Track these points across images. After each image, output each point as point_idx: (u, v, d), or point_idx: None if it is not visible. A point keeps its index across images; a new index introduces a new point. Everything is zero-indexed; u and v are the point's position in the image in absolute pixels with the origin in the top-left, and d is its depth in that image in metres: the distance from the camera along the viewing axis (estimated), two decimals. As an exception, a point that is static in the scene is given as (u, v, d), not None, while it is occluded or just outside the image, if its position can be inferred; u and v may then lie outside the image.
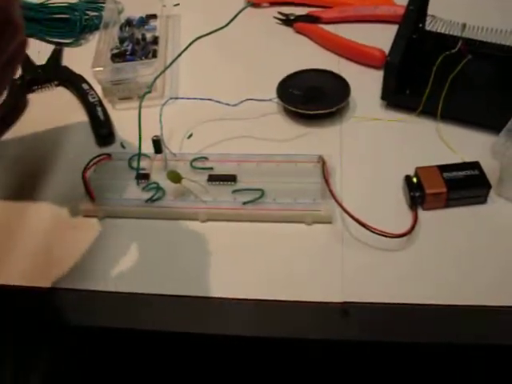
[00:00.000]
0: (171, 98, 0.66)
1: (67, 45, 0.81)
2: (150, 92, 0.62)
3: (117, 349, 0.58)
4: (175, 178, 0.59)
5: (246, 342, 0.54)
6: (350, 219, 0.56)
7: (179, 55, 0.62)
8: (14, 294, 0.56)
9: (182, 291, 0.55)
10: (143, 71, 0.70)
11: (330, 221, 0.58)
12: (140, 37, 0.77)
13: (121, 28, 0.79)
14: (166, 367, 0.61)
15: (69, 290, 0.55)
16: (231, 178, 0.60)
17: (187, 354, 0.58)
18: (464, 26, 0.71)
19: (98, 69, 0.69)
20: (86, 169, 0.62)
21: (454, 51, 0.69)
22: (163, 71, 0.66)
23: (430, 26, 0.74)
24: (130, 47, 0.75)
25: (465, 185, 0.58)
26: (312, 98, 0.68)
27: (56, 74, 0.76)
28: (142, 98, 0.60)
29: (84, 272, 0.56)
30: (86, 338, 0.58)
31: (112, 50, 0.75)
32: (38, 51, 0.79)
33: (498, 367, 0.54)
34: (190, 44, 0.61)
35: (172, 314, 0.54)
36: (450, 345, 0.52)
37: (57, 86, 0.76)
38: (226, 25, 0.59)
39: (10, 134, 0.69)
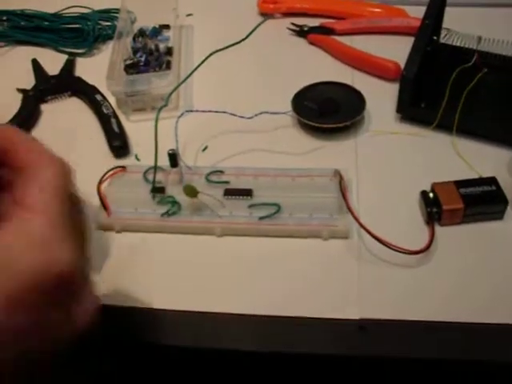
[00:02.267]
0: (186, 111, 0.65)
1: (80, 55, 0.81)
2: (166, 105, 0.62)
3: (132, 363, 0.58)
4: (192, 192, 0.59)
5: (261, 357, 0.54)
6: (366, 234, 0.56)
7: (195, 69, 0.62)
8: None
9: (197, 306, 0.54)
10: (157, 83, 0.70)
11: (347, 236, 0.58)
12: (153, 47, 0.77)
13: (134, 38, 0.79)
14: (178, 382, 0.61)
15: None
16: (247, 193, 0.60)
17: (199, 370, 0.58)
18: (479, 38, 0.71)
19: (111, 81, 0.69)
20: (101, 181, 0.62)
21: (469, 65, 0.69)
22: (179, 85, 0.66)
23: (444, 38, 0.74)
24: (143, 58, 0.75)
25: (482, 201, 0.58)
26: (327, 111, 0.68)
27: (69, 84, 0.76)
28: (158, 111, 0.60)
29: (97, 286, 0.56)
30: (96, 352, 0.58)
31: (125, 60, 0.75)
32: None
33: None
34: (206, 58, 0.61)
35: (185, 329, 0.54)
36: (468, 362, 0.52)
37: (70, 96, 0.76)
38: (244, 39, 0.59)
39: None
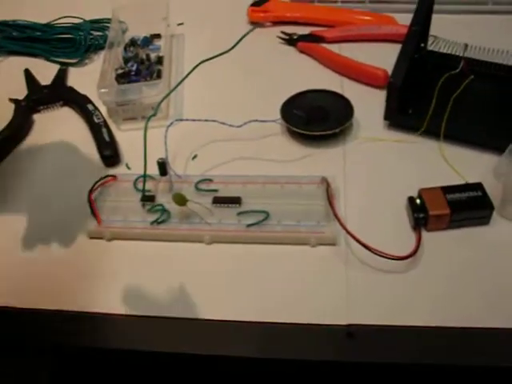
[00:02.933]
0: (176, 120, 0.66)
1: (72, 65, 0.82)
2: (155, 115, 0.63)
3: (120, 370, 0.59)
4: (181, 200, 0.59)
5: (250, 364, 0.54)
6: (353, 241, 0.57)
7: (184, 79, 0.63)
8: (17, 316, 0.56)
9: (187, 313, 0.55)
10: (148, 92, 0.71)
11: (334, 243, 0.59)
12: (144, 57, 0.78)
13: (125, 48, 0.80)
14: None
15: (73, 312, 0.56)
16: (236, 201, 0.61)
17: (191, 377, 0.59)
18: (466, 46, 0.72)
19: (103, 90, 0.70)
20: (91, 190, 0.63)
21: (456, 71, 0.70)
22: (168, 94, 0.67)
23: (432, 46, 0.75)
24: (134, 67, 0.76)
25: (468, 206, 0.59)
26: (316, 118, 0.69)
27: (61, 94, 0.77)
28: (147, 121, 0.61)
29: (90, 294, 0.57)
30: (86, 359, 0.58)
31: (117, 70, 0.76)
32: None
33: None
34: (194, 67, 0.62)
35: (176, 336, 0.54)
36: (456, 366, 0.52)
37: (62, 106, 0.76)
38: (231, 48, 0.60)
39: (15, 154, 0.70)
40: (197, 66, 0.61)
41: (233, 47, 0.61)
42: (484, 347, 0.52)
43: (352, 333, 0.53)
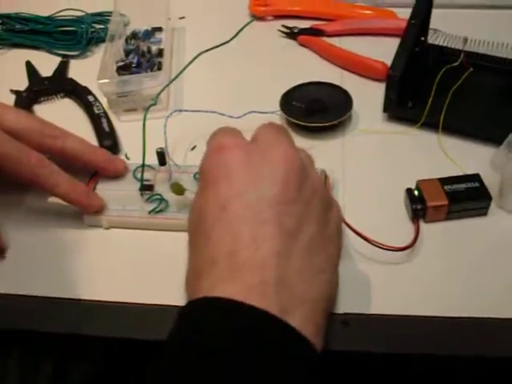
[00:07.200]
0: (175, 111, 0.66)
1: (73, 57, 0.82)
2: (154, 104, 0.63)
3: (115, 359, 0.59)
4: (179, 190, 0.60)
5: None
6: (351, 232, 0.57)
7: (184, 69, 0.63)
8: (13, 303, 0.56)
9: (182, 302, 0.55)
10: (148, 83, 0.71)
11: (332, 233, 0.59)
12: (145, 49, 0.78)
13: (126, 40, 0.80)
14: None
15: (70, 300, 0.56)
16: (234, 190, 0.61)
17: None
18: (466, 39, 0.72)
19: (103, 81, 0.70)
20: (90, 180, 0.63)
21: (455, 64, 0.70)
22: (168, 84, 0.67)
23: (431, 39, 0.75)
24: (135, 60, 0.76)
25: (466, 197, 0.59)
26: (315, 110, 0.69)
27: (62, 85, 0.77)
28: (146, 110, 0.61)
29: (86, 282, 0.57)
30: (82, 347, 0.58)
31: (117, 62, 0.76)
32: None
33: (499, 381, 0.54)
34: (194, 58, 0.62)
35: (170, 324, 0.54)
36: (452, 357, 0.52)
37: (63, 97, 0.77)
38: (230, 40, 0.60)
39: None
40: (197, 56, 0.62)
41: (232, 38, 0.61)
42: (483, 337, 0.52)
43: (347, 322, 0.53)
